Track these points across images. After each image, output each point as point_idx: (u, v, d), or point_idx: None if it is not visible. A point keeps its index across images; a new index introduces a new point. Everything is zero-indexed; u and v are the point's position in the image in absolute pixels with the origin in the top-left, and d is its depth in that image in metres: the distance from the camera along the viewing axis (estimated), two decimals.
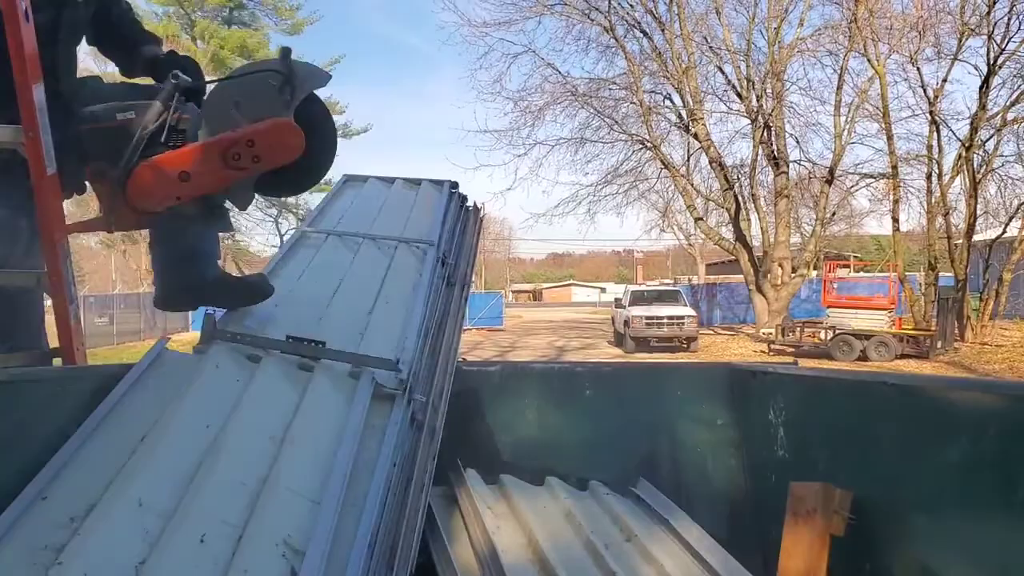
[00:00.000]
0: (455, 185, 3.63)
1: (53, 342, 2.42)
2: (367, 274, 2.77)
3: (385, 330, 2.41)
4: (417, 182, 3.77)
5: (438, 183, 3.68)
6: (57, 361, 2.39)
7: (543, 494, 2.67)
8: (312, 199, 40.70)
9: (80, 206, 6.11)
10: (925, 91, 19.84)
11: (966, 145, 19.21)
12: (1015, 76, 18.66)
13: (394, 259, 2.89)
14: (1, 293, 2.56)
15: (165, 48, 2.65)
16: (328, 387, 2.04)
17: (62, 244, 2.25)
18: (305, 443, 1.80)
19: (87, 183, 2.19)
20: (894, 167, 20.99)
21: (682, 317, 21.34)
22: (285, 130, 1.98)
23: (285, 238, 38.91)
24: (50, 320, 2.38)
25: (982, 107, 18.59)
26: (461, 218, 3.50)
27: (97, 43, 2.66)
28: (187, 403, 1.82)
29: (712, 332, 27.38)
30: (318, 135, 2.11)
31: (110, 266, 50.32)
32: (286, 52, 2.01)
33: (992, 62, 18.10)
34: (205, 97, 2.10)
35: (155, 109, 1.96)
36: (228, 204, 2.26)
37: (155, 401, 1.84)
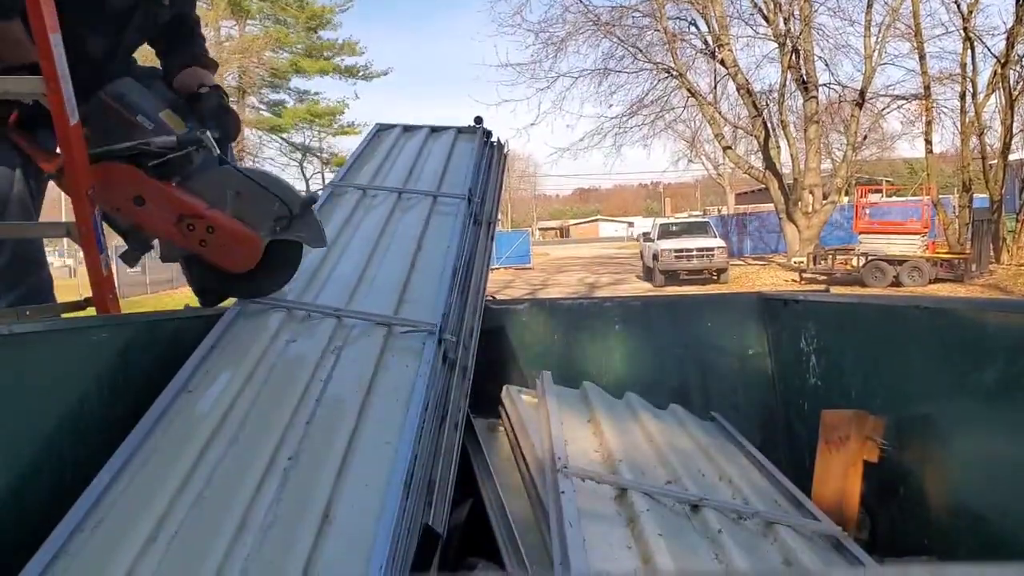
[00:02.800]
0: (488, 133, 3.59)
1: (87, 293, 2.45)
2: (403, 232, 2.76)
3: (424, 293, 2.41)
4: (446, 129, 3.73)
5: (470, 130, 3.64)
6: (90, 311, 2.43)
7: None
8: (336, 141, 40.84)
9: None
10: (959, 6, 19.22)
11: (1001, 61, 18.62)
12: None
13: (430, 216, 2.87)
14: (6, 245, 2.60)
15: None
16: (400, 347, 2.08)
17: (90, 195, 2.27)
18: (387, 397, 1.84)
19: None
20: (927, 87, 20.45)
21: (711, 249, 21.16)
22: (247, 244, 1.93)
23: (310, 181, 39.12)
24: (83, 271, 2.41)
25: (1019, 21, 17.93)
26: (486, 156, 3.47)
27: (158, 43, 2.62)
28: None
29: (743, 263, 27.19)
30: (269, 273, 2.05)
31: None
32: (310, 199, 1.96)
33: None
34: (217, 164, 2.03)
35: (167, 141, 1.90)
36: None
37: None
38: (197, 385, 1.81)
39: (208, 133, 1.97)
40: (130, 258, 2.01)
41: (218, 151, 1.98)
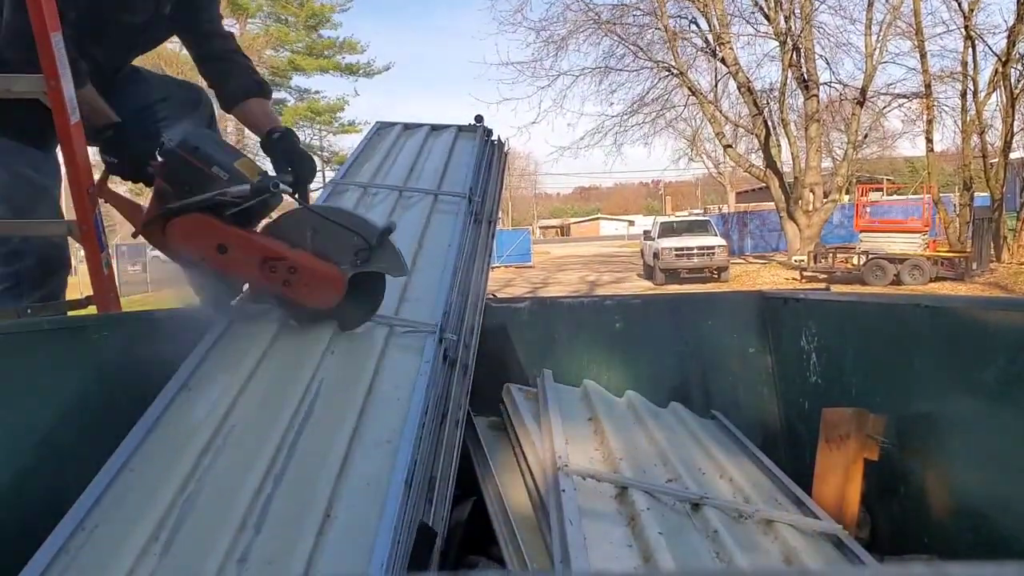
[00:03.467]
0: (488, 132, 3.58)
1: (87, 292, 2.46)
2: (403, 230, 2.76)
3: (425, 291, 2.41)
4: (447, 128, 3.73)
5: (470, 129, 3.64)
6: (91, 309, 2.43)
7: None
8: (337, 140, 40.83)
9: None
10: (960, 4, 19.19)
11: (1003, 60, 18.61)
12: None
13: (430, 215, 2.87)
14: (31, 244, 2.62)
15: None
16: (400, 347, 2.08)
17: (91, 193, 2.27)
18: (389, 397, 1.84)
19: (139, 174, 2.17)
20: (927, 86, 20.44)
21: (712, 247, 21.16)
22: (330, 281, 1.94)
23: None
24: (83, 268, 2.42)
25: (1020, 19, 17.91)
26: (487, 154, 3.46)
27: (210, 69, 2.66)
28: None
29: (743, 261, 27.18)
30: (356, 305, 2.05)
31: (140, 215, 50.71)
32: (387, 230, 1.96)
33: None
34: (295, 205, 2.04)
35: (243, 190, 1.92)
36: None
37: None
38: (197, 384, 1.81)
39: (281, 180, 1.98)
40: (221, 304, 2.03)
41: (293, 196, 2.00)
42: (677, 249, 21.05)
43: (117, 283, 2.43)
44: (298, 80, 38.93)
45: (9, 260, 2.64)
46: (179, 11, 2.63)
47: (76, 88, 2.15)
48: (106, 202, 2.18)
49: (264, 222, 2.03)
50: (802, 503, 2.13)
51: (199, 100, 2.94)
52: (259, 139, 2.43)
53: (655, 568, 1.64)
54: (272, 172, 2.08)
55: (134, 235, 2.01)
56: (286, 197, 2.06)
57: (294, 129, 2.57)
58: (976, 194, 20.17)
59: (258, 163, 2.02)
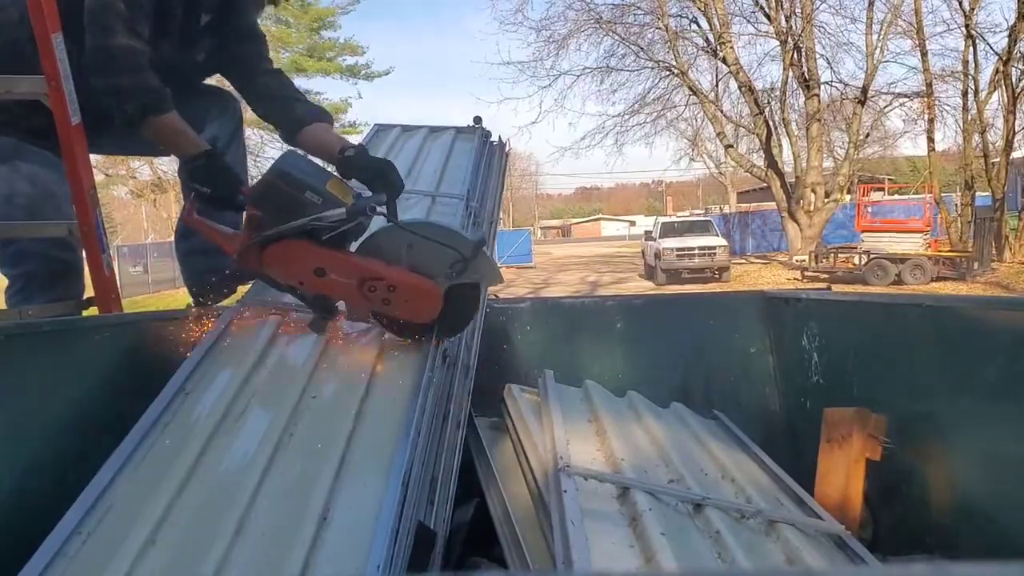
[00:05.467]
0: (487, 134, 3.58)
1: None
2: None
3: None
4: (445, 129, 3.72)
5: (469, 130, 3.64)
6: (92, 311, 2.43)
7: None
8: None
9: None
10: (960, 3, 19.18)
11: (1004, 59, 18.61)
12: None
13: (428, 216, 2.86)
14: (38, 245, 2.62)
15: None
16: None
17: (91, 194, 2.27)
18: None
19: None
20: (929, 85, 20.44)
21: (713, 247, 21.14)
22: (428, 296, 1.93)
23: None
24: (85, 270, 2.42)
25: (1021, 18, 17.90)
26: (486, 155, 3.46)
27: (263, 103, 2.63)
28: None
29: (745, 261, 27.17)
30: (454, 316, 2.05)
31: (141, 216, 50.83)
32: (480, 242, 1.96)
33: None
34: (387, 220, 2.00)
35: (338, 213, 1.91)
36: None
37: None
38: (195, 386, 1.81)
39: (376, 202, 1.98)
40: (318, 326, 2.02)
41: (387, 217, 1.99)
42: (678, 249, 21.04)
43: (118, 284, 2.42)
44: (300, 82, 38.88)
45: (16, 262, 2.64)
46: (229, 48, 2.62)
47: (158, 114, 2.09)
48: (197, 231, 2.13)
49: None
50: (804, 503, 2.12)
51: (226, 107, 2.91)
52: (333, 161, 2.39)
53: (657, 568, 1.64)
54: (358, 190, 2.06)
55: (232, 264, 2.00)
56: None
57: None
58: (978, 194, 20.17)
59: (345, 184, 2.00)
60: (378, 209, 1.96)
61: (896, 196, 23.36)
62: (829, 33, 22.48)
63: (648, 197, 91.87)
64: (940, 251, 18.38)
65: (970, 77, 19.79)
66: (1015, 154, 20.08)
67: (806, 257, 19.92)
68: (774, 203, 23.86)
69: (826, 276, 18.56)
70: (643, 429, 2.47)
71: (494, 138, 3.62)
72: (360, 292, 1.94)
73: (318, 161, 2.22)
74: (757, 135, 22.76)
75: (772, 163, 22.23)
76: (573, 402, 2.61)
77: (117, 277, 2.39)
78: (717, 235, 22.74)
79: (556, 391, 2.59)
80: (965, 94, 20.01)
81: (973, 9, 19.06)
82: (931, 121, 20.80)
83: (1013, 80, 19.05)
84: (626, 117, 23.95)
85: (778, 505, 2.11)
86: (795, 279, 19.62)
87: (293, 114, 2.53)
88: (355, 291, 1.94)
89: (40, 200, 2.60)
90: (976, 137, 20.07)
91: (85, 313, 2.52)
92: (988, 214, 18.65)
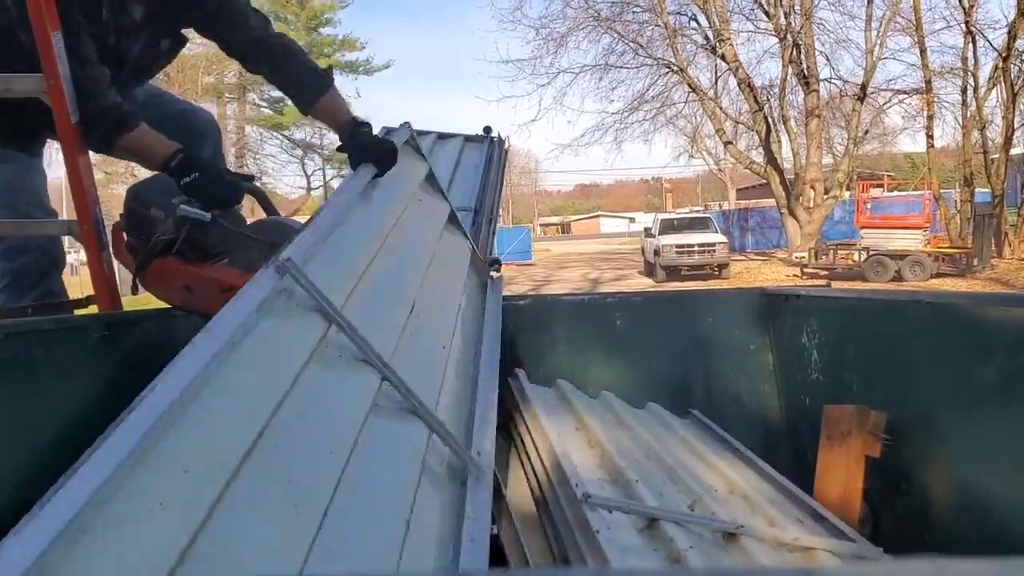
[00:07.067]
0: (501, 143, 3.55)
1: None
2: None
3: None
4: (454, 136, 3.70)
5: (478, 139, 3.61)
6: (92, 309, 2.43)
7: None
8: (335, 138, 40.89)
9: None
10: (960, 0, 19.16)
11: (1003, 55, 18.61)
12: None
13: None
14: (30, 240, 2.62)
15: None
16: None
17: (91, 192, 2.27)
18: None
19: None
20: (928, 82, 20.43)
21: (713, 244, 21.10)
22: None
23: (312, 178, 39.07)
24: (84, 268, 2.42)
25: (1020, 14, 17.89)
26: (486, 152, 3.46)
27: (278, 80, 2.63)
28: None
29: (744, 258, 27.17)
30: None
31: None
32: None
33: None
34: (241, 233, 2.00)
35: (170, 227, 1.90)
36: None
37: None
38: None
39: (187, 208, 1.94)
40: None
41: (204, 218, 1.94)
42: (678, 246, 21.00)
43: (118, 282, 2.42)
44: None
45: (9, 257, 2.64)
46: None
47: (120, 134, 2.10)
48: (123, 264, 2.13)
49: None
50: (823, 518, 2.04)
51: (206, 130, 2.86)
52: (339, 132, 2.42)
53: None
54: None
55: (133, 291, 2.01)
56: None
57: (302, 126, 2.55)
58: (977, 190, 20.17)
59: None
60: (191, 211, 1.92)
61: (895, 192, 23.34)
62: (828, 30, 22.57)
63: (647, 194, 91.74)
64: (940, 247, 18.37)
65: (969, 73, 19.80)
66: (1014, 150, 20.10)
67: (805, 254, 19.91)
68: (773, 200, 23.86)
69: (826, 273, 18.55)
70: (631, 438, 2.44)
71: (493, 134, 3.61)
72: (224, 303, 1.94)
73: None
74: (756, 132, 22.75)
75: (771, 160, 22.22)
76: (555, 407, 2.61)
77: (116, 275, 2.38)
78: (716, 232, 22.70)
79: (534, 392, 2.59)
80: (964, 90, 20.03)
81: (972, 6, 19.05)
82: (930, 117, 20.81)
83: (1012, 76, 19.06)
84: (625, 114, 23.96)
85: (799, 524, 2.04)
86: (794, 276, 19.60)
87: (307, 82, 2.56)
88: (219, 304, 1.94)
89: (27, 203, 2.59)
90: (975, 133, 20.08)
91: (84, 312, 2.52)
92: (987, 210, 18.65)
